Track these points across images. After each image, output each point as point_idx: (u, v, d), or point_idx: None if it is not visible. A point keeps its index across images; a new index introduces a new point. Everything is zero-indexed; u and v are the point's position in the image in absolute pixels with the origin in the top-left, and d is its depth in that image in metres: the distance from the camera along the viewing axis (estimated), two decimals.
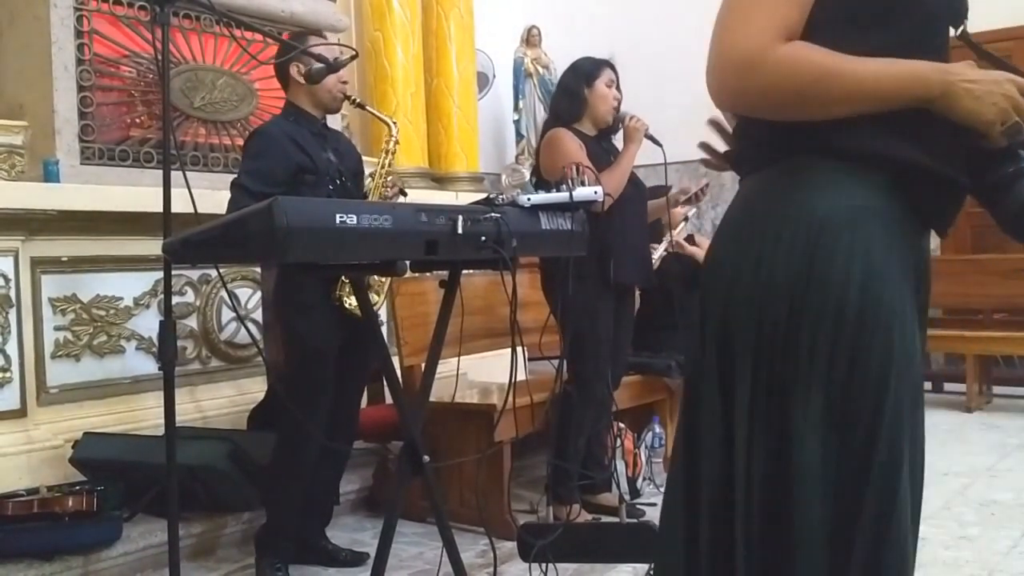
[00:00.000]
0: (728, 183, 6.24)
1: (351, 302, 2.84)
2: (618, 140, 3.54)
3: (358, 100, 3.20)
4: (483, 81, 6.93)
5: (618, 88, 3.48)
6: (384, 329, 3.74)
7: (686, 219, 4.22)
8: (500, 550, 2.72)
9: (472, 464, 3.23)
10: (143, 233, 3.38)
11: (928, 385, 6.03)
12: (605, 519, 3.43)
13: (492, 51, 7.04)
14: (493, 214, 2.16)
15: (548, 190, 2.45)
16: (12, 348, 3.12)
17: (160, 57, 2.51)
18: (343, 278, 2.80)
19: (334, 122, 3.55)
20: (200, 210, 2.39)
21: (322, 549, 3.10)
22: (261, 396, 3.55)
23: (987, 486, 3.81)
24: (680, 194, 3.86)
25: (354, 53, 3.03)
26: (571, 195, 2.38)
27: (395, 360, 2.88)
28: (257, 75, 3.97)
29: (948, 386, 5.98)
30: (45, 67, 3.40)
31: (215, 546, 3.19)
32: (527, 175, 3.84)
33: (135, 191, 3.40)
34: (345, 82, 3.01)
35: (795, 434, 1.15)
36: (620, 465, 3.63)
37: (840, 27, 1.17)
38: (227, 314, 3.80)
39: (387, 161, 3.09)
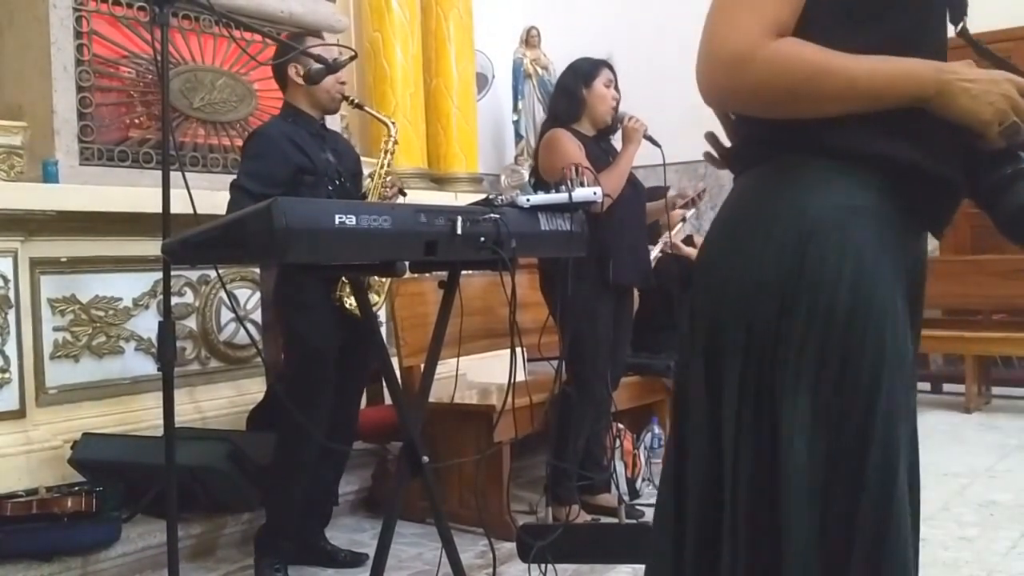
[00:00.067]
0: (727, 184, 6.19)
1: (351, 302, 2.84)
2: (617, 141, 3.54)
3: (356, 100, 3.21)
4: (482, 82, 6.93)
5: (616, 88, 3.48)
6: (383, 329, 3.74)
7: (684, 220, 4.23)
8: (499, 551, 2.72)
9: (471, 465, 3.23)
10: (142, 234, 3.37)
11: (927, 386, 6.04)
12: (604, 520, 3.43)
13: (491, 52, 7.04)
14: (492, 215, 2.16)
15: (547, 191, 2.45)
16: (11, 349, 3.12)
17: (159, 58, 2.50)
18: (343, 278, 2.80)
19: (333, 123, 3.55)
20: (199, 211, 2.39)
21: (321, 549, 3.10)
22: (260, 397, 3.55)
23: (986, 487, 3.81)
24: (678, 198, 3.86)
25: (353, 54, 3.03)
26: (570, 196, 2.38)
27: (394, 361, 2.88)
28: (256, 76, 3.97)
29: (947, 387, 5.98)
30: (44, 68, 3.40)
31: (214, 547, 3.19)
32: (526, 176, 3.84)
33: (134, 192, 3.40)
34: (343, 83, 3.01)
35: (783, 435, 1.13)
36: (619, 466, 3.63)
37: (835, 24, 1.15)
38: (226, 315, 3.80)
39: (386, 161, 3.09)
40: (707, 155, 1.41)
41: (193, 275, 3.71)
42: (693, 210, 4.09)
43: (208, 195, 2.86)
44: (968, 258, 5.98)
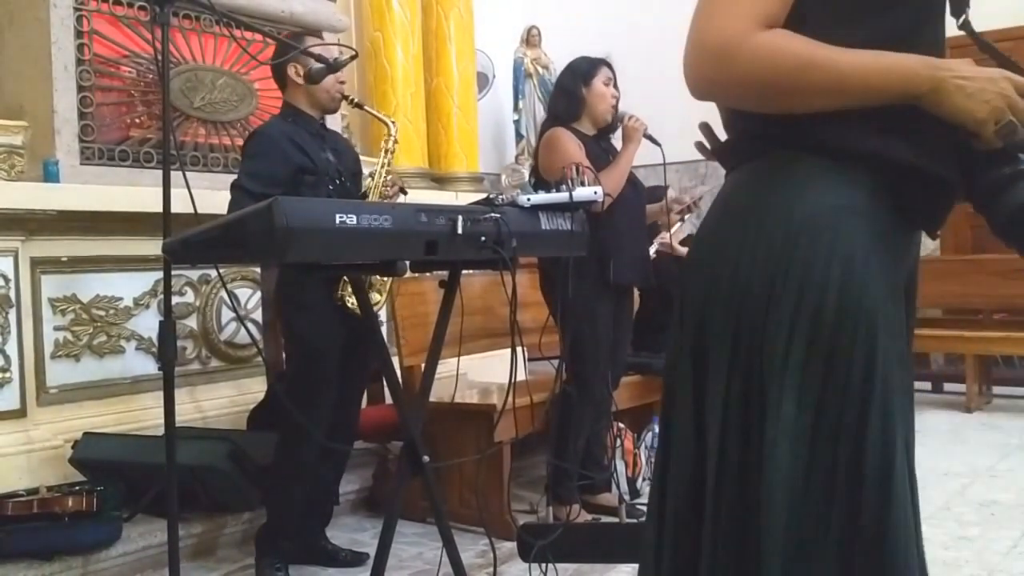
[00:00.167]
0: None
1: (353, 301, 2.84)
2: (617, 140, 3.54)
3: (356, 100, 3.21)
4: (483, 81, 6.94)
5: (615, 86, 3.48)
6: (384, 329, 3.74)
7: (682, 220, 4.23)
8: (500, 550, 2.72)
9: (472, 464, 3.23)
10: (143, 233, 3.38)
11: (928, 385, 6.04)
12: (605, 519, 3.44)
13: (492, 51, 7.04)
14: (493, 214, 2.17)
15: (547, 190, 2.45)
16: (12, 348, 3.12)
17: (160, 57, 2.51)
18: (345, 277, 2.80)
19: (333, 122, 3.55)
20: (200, 210, 2.39)
21: (322, 549, 3.10)
22: (261, 396, 3.55)
23: (987, 486, 3.81)
24: (675, 203, 3.87)
25: (354, 53, 3.03)
26: (571, 195, 2.38)
27: (395, 360, 2.88)
28: (257, 75, 3.97)
29: (948, 386, 5.98)
30: (45, 67, 3.40)
31: (215, 546, 3.19)
32: (527, 175, 3.84)
33: (135, 191, 3.40)
34: (343, 82, 3.01)
35: (767, 438, 1.10)
36: (620, 465, 3.63)
37: (830, 19, 1.12)
38: (227, 314, 3.80)
39: (386, 161, 3.09)
40: (698, 144, 1.39)
41: (194, 275, 3.72)
42: (690, 215, 4.10)
43: (209, 195, 2.86)
44: (968, 258, 5.99)
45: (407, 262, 2.10)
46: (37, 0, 3.42)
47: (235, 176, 2.87)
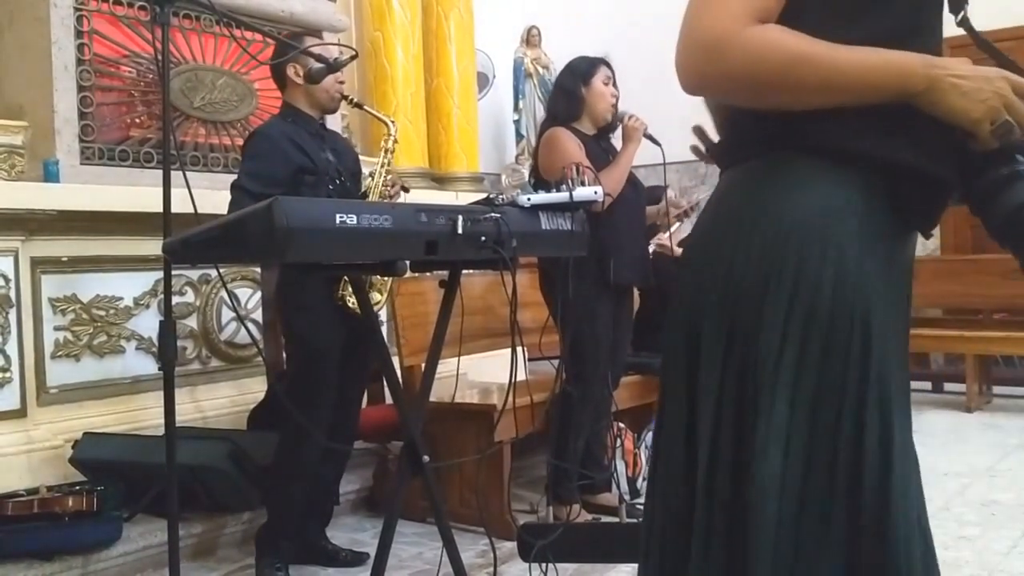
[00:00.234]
0: None
1: (353, 301, 2.84)
2: (617, 140, 3.54)
3: (355, 100, 3.21)
4: (483, 81, 6.94)
5: (615, 85, 3.48)
6: (384, 329, 3.74)
7: (681, 220, 4.23)
8: (500, 550, 2.72)
9: (472, 464, 3.23)
10: (143, 233, 3.38)
11: (928, 385, 6.04)
12: (605, 519, 3.44)
13: (492, 51, 7.04)
14: (493, 214, 2.17)
15: (547, 190, 2.45)
16: (12, 348, 3.12)
17: (160, 57, 2.51)
18: (345, 277, 2.80)
19: (333, 122, 3.56)
20: (200, 210, 2.39)
21: (322, 549, 3.10)
22: (261, 396, 3.55)
23: (987, 486, 3.81)
24: (672, 207, 3.87)
25: (354, 53, 3.04)
26: (571, 195, 2.38)
27: (395, 360, 2.88)
28: (257, 75, 3.97)
29: (948, 386, 5.98)
30: (45, 67, 3.40)
31: (215, 546, 3.20)
32: (527, 175, 3.84)
33: (135, 191, 3.40)
34: (342, 82, 3.01)
35: (757, 441, 1.09)
36: (620, 465, 3.63)
37: (826, 14, 1.11)
38: (227, 314, 3.81)
39: (386, 160, 3.10)
40: (694, 148, 1.38)
41: (194, 274, 3.72)
42: (687, 219, 4.10)
43: (209, 194, 2.87)
44: (969, 257, 5.99)
45: (407, 262, 2.10)
46: (37, 0, 3.42)
47: (235, 176, 2.87)
